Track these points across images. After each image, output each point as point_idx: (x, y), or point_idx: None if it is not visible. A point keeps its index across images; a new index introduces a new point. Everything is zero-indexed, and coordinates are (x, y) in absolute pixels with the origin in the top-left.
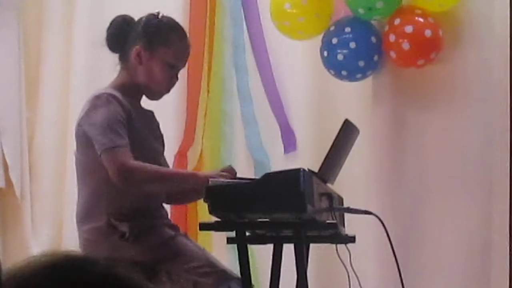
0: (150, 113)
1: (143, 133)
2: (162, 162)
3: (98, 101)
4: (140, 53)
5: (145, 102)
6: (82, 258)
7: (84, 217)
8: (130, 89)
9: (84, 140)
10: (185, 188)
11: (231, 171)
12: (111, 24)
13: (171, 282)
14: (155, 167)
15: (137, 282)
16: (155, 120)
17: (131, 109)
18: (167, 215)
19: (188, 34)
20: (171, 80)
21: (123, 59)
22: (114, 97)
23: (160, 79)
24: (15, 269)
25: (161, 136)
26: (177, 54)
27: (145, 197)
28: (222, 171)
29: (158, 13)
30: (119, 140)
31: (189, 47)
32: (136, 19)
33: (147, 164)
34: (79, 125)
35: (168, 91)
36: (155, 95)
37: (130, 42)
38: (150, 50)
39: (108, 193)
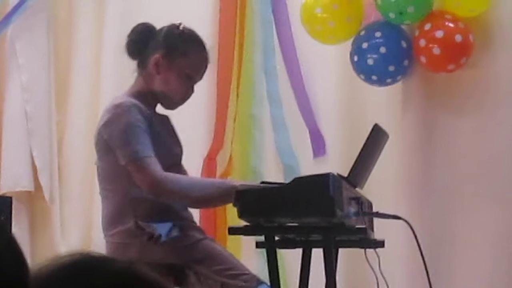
0: (166, 118)
1: (164, 139)
2: (181, 165)
3: (118, 109)
4: (159, 61)
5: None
6: (101, 256)
7: (111, 222)
8: (147, 96)
9: (104, 149)
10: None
11: None
12: (132, 31)
13: (199, 284)
14: (186, 177)
15: (155, 280)
16: (172, 124)
17: (151, 116)
18: (192, 217)
19: (217, 38)
20: (187, 91)
21: (141, 66)
22: (134, 105)
23: (177, 89)
24: (35, 270)
25: (179, 139)
26: (195, 65)
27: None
28: None
29: (180, 24)
30: (146, 150)
31: (207, 60)
32: (159, 27)
33: (178, 175)
34: (99, 134)
35: (183, 101)
36: (170, 105)
37: (150, 50)
38: (169, 59)
39: (134, 197)
